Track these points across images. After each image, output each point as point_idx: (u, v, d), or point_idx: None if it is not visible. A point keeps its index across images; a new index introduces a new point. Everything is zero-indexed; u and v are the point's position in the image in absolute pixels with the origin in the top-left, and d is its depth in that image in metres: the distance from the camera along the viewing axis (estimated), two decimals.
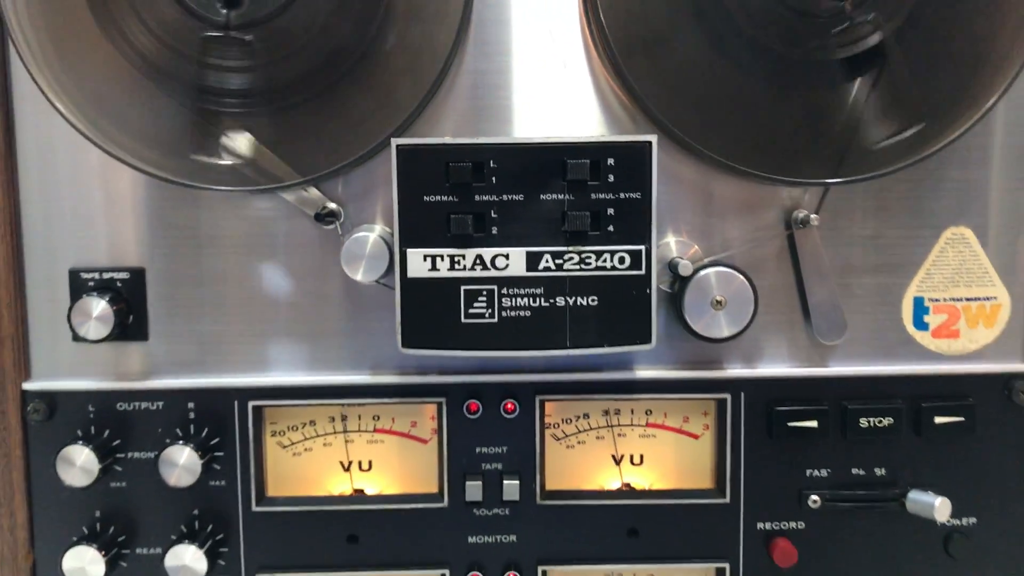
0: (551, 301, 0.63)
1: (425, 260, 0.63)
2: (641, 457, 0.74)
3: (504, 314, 0.63)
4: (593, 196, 0.62)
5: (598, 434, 0.74)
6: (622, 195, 0.63)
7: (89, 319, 0.67)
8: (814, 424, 0.70)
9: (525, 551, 0.72)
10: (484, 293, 0.63)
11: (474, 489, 0.70)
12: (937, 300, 0.71)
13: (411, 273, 0.63)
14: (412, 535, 0.72)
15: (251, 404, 0.70)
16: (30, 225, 0.69)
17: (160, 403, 0.70)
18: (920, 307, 0.71)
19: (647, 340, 0.64)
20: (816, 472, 0.72)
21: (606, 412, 0.73)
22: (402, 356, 0.70)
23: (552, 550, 0.72)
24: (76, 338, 0.68)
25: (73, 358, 0.70)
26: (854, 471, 0.72)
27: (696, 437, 0.74)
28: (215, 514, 0.71)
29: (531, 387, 0.71)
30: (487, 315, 0.63)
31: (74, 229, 0.69)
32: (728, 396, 0.71)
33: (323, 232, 0.69)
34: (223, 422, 0.70)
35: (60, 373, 0.70)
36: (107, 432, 0.70)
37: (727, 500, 0.72)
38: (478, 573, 0.72)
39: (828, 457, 0.71)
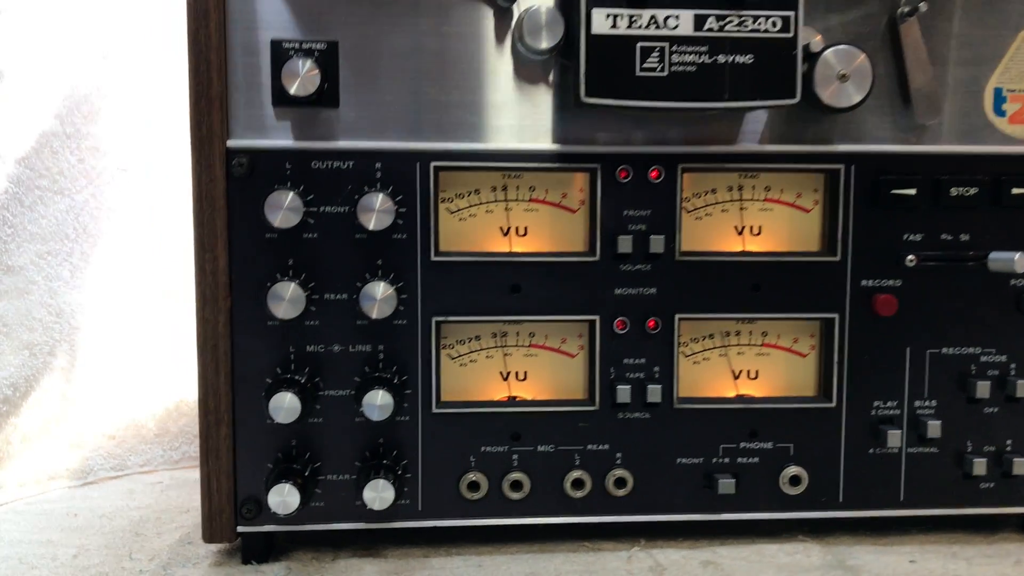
0: (713, 59, 0.74)
1: (607, 18, 0.73)
2: (760, 228, 0.85)
3: (673, 69, 0.74)
4: None
5: (723, 208, 0.84)
6: None
7: (297, 77, 0.75)
8: (912, 192, 0.82)
9: (664, 302, 0.82)
10: (656, 50, 0.73)
11: (624, 243, 0.80)
12: (1014, 91, 0.83)
13: (595, 30, 0.73)
14: (567, 286, 0.81)
15: (432, 164, 0.79)
16: None
17: (350, 163, 0.79)
18: (999, 97, 0.83)
19: (793, 95, 0.75)
20: (912, 236, 0.83)
21: (730, 188, 0.84)
22: (561, 129, 0.80)
23: (686, 302, 0.82)
24: (280, 99, 0.77)
25: (270, 121, 0.78)
26: (943, 236, 0.83)
27: (807, 211, 0.85)
28: (396, 264, 0.79)
29: (674, 157, 0.81)
30: (658, 69, 0.74)
31: (273, 3, 0.77)
32: (841, 167, 0.82)
33: (494, 17, 0.78)
34: (405, 182, 0.79)
35: (259, 134, 0.78)
36: (302, 187, 0.78)
37: (837, 258, 0.83)
38: (624, 318, 0.82)
39: (922, 223, 0.83)
